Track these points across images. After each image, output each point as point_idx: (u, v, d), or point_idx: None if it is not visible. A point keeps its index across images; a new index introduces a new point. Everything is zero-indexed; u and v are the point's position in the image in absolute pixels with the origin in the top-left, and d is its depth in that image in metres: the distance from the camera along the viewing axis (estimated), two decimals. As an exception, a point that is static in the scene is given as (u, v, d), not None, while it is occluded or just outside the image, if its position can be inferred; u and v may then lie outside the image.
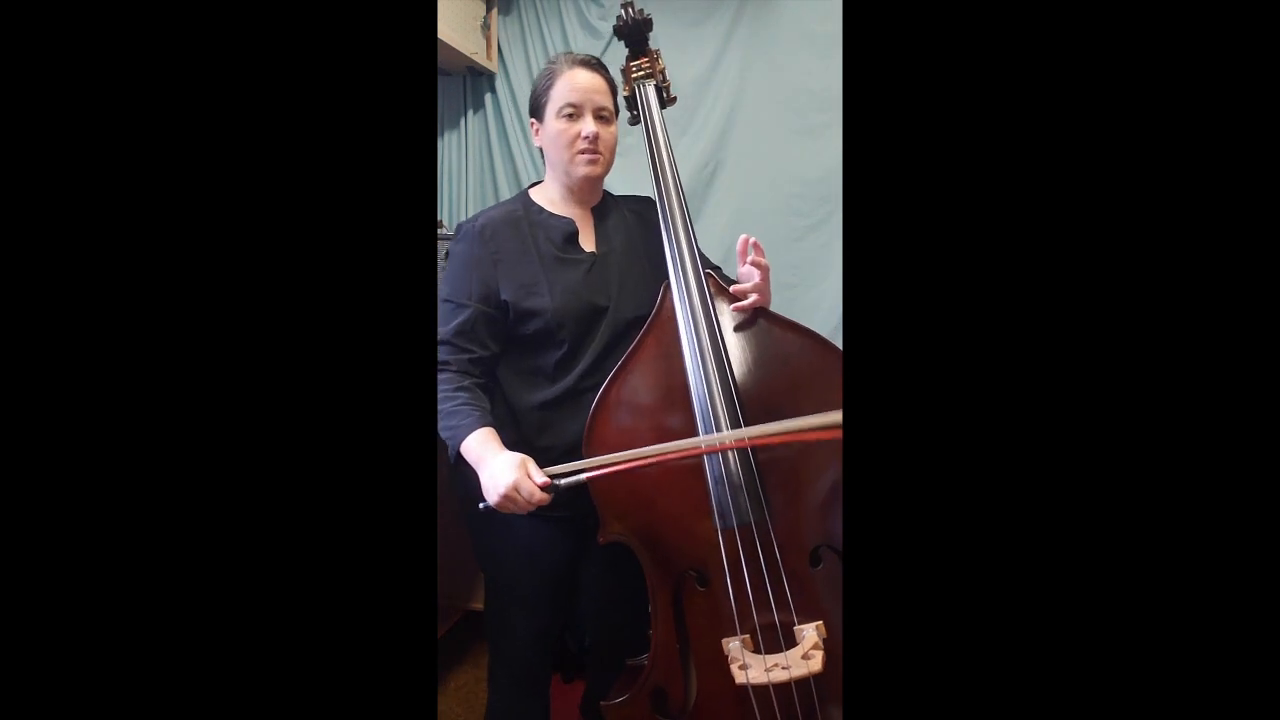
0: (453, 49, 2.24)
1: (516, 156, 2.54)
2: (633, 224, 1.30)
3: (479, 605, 2.12)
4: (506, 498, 1.04)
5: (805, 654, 1.07)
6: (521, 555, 1.25)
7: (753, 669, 1.08)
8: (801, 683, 1.08)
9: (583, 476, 1.06)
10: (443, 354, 1.17)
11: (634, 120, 1.32)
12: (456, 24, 2.26)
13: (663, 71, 1.32)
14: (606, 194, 1.33)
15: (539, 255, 1.20)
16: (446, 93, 2.59)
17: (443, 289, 1.20)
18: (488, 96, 2.59)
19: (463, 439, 1.10)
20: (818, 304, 2.23)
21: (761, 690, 1.08)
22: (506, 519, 1.09)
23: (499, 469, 1.05)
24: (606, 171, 1.26)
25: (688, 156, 2.47)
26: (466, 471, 1.14)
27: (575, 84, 1.19)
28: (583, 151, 1.20)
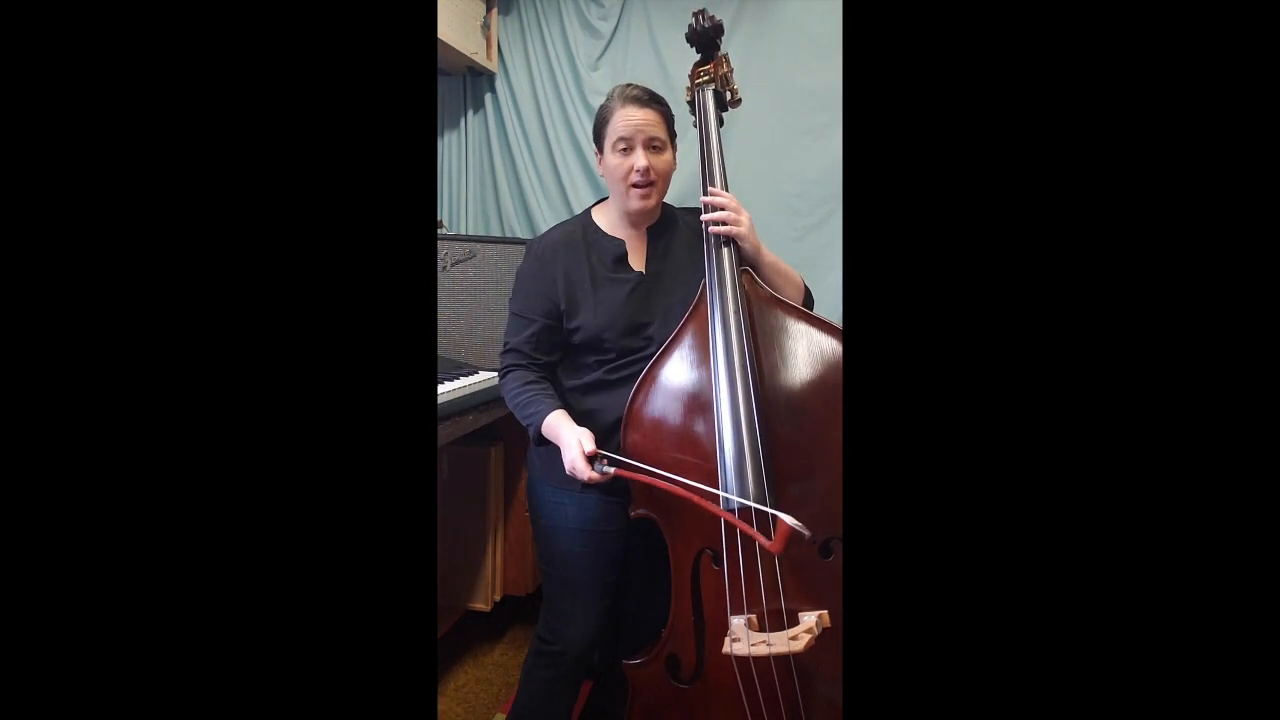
0: (453, 49, 2.24)
1: (516, 156, 2.54)
2: (688, 240, 1.36)
3: (479, 605, 2.12)
4: (572, 470, 1.19)
5: (793, 635, 1.14)
6: (575, 535, 1.36)
7: (738, 644, 1.16)
8: (780, 659, 1.15)
9: (612, 471, 1.16)
10: (512, 358, 1.33)
11: (695, 124, 1.40)
12: (456, 24, 2.26)
13: (724, 76, 1.38)
14: (666, 208, 1.40)
15: (590, 273, 1.32)
16: (446, 93, 2.59)
17: (513, 304, 1.36)
18: (488, 96, 2.59)
19: (541, 422, 1.25)
20: (818, 304, 2.21)
21: (743, 662, 1.17)
22: (561, 503, 1.34)
23: (565, 447, 1.21)
24: (660, 200, 1.34)
25: (689, 157, 2.46)
26: (533, 459, 1.39)
27: (627, 120, 1.28)
28: (635, 185, 1.28)
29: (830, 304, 2.21)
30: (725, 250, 1.24)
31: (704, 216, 1.26)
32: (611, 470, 1.15)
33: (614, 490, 1.29)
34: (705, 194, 1.31)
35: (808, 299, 1.39)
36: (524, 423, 1.29)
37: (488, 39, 2.47)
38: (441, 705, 1.87)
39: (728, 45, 2.32)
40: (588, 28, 2.48)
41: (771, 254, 1.32)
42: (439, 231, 2.12)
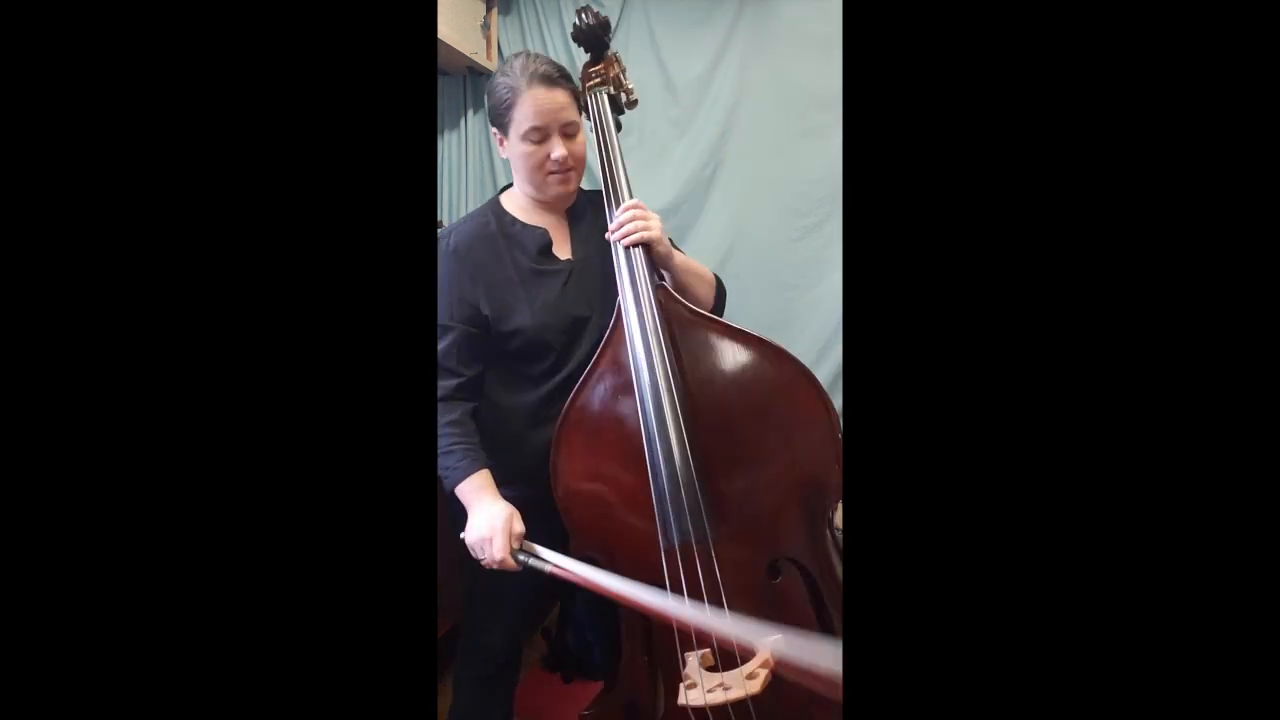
0: (453, 49, 2.24)
1: (516, 156, 2.54)
2: (605, 224, 1.24)
3: (479, 605, 2.11)
4: (477, 548, 1.08)
5: (749, 674, 1.02)
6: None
7: (693, 691, 1.05)
8: (739, 705, 1.04)
9: (546, 568, 1.07)
10: None
11: (590, 128, 1.27)
12: (456, 24, 2.26)
13: (618, 76, 1.27)
14: (579, 192, 1.28)
15: (516, 270, 1.19)
16: (446, 93, 2.59)
17: None
18: (487, 97, 2.59)
19: (457, 482, 1.12)
20: (818, 304, 2.23)
21: (700, 712, 1.06)
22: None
23: (481, 521, 1.08)
24: (579, 181, 1.23)
25: (688, 156, 2.47)
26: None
27: (537, 106, 1.13)
28: (553, 173, 1.17)
29: (830, 304, 2.22)
30: (636, 261, 1.12)
31: (611, 228, 1.15)
32: (531, 562, 1.06)
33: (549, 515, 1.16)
34: (608, 202, 1.18)
35: (720, 293, 1.29)
36: (439, 470, 1.13)
37: (488, 39, 2.47)
38: (441, 705, 1.87)
39: (729, 45, 2.33)
40: (588, 27, 2.48)
41: (682, 254, 1.22)
42: (439, 231, 2.13)
